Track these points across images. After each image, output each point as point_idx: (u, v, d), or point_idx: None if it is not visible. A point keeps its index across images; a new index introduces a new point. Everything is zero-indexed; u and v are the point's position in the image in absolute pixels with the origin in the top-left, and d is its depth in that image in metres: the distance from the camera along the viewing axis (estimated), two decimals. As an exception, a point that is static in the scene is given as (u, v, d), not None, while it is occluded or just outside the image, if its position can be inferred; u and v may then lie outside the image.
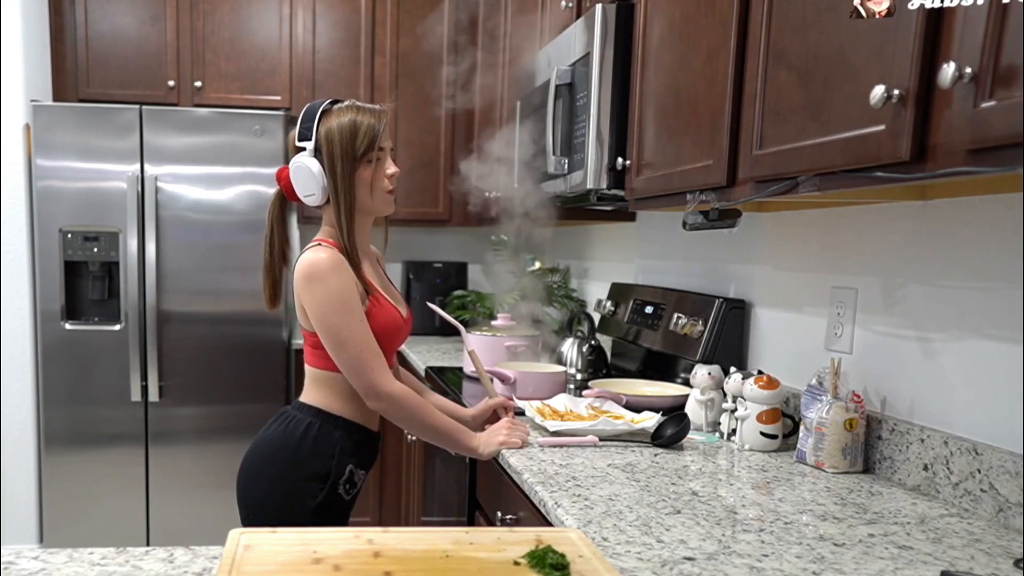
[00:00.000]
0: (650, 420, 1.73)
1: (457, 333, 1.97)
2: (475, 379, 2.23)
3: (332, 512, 1.61)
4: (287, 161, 1.64)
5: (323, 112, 1.57)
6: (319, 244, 1.59)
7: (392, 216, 1.69)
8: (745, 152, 1.43)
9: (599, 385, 2.06)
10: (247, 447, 1.69)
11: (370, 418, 1.67)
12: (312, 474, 1.59)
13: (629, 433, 1.71)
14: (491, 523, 1.73)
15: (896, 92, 1.01)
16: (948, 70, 0.90)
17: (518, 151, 2.63)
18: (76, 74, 3.48)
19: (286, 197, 1.66)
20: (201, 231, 3.27)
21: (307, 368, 1.66)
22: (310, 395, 1.65)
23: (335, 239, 1.60)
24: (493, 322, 2.72)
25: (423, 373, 2.82)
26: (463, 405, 1.89)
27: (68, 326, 3.24)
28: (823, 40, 1.20)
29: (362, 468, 1.67)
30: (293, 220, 3.65)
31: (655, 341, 2.25)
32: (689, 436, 1.71)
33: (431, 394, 1.82)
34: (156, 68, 3.52)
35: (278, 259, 1.69)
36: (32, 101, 3.21)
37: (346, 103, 1.60)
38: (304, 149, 1.57)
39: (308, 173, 1.57)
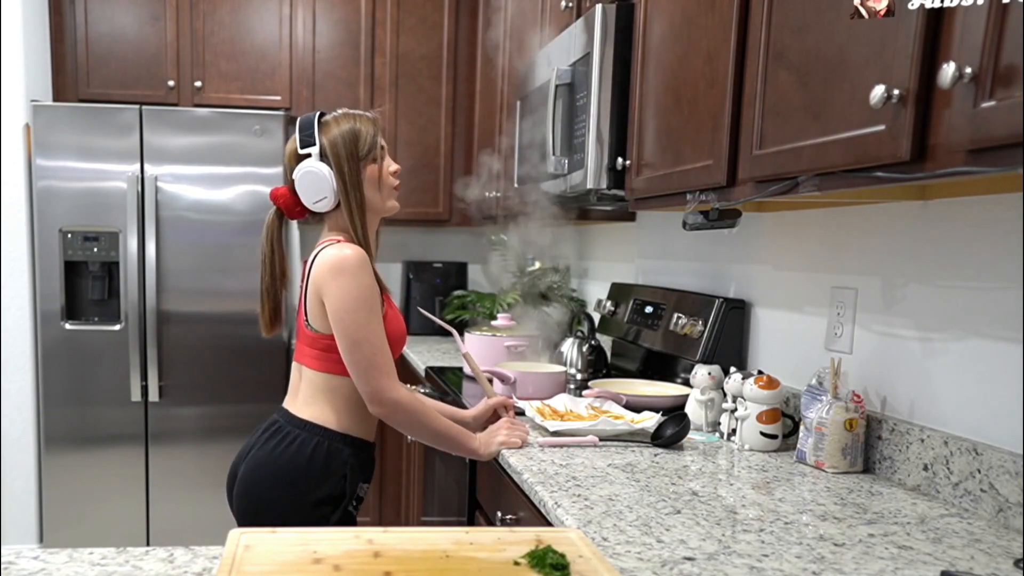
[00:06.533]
0: (650, 420, 1.73)
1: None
2: (475, 379, 2.23)
3: None
4: (285, 170, 1.63)
5: (320, 122, 1.58)
6: (339, 241, 1.57)
7: (392, 216, 1.69)
8: (745, 152, 1.43)
9: (599, 385, 2.06)
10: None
11: (369, 429, 1.65)
12: (326, 497, 1.56)
13: (629, 433, 1.71)
14: (491, 523, 1.73)
15: (896, 92, 1.01)
16: (948, 70, 0.90)
17: (518, 151, 2.63)
18: (76, 74, 3.48)
19: (287, 216, 1.64)
20: (201, 231, 3.27)
21: (309, 374, 1.61)
22: (311, 409, 1.60)
23: (350, 240, 1.58)
24: (493, 322, 2.72)
25: (423, 373, 2.82)
26: (463, 406, 1.88)
27: (68, 326, 3.24)
28: (823, 40, 1.20)
29: (367, 482, 1.66)
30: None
31: (655, 341, 2.25)
32: (689, 436, 1.71)
33: (430, 400, 1.80)
34: (156, 68, 3.52)
35: (279, 280, 1.66)
36: (32, 101, 3.21)
37: (339, 112, 1.61)
38: (308, 156, 1.56)
39: (319, 176, 1.56)
